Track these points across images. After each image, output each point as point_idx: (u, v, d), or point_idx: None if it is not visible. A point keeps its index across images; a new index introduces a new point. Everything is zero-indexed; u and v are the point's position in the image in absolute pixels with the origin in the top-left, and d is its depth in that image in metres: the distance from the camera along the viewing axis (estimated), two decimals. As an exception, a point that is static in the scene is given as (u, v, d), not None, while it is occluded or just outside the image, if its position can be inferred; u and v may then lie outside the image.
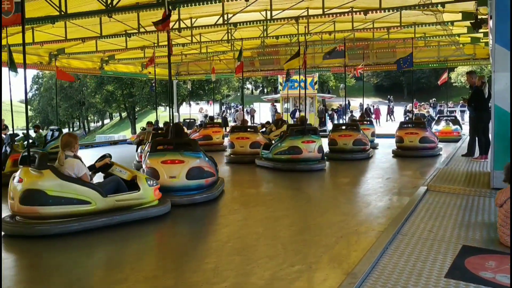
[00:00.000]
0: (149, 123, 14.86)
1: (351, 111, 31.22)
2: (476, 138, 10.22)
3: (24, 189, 5.51)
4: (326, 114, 29.10)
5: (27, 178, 5.58)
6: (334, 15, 12.69)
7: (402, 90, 61.73)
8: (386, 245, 4.33)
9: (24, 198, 5.50)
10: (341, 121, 28.98)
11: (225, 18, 13.49)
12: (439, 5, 10.95)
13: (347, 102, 27.34)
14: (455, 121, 18.80)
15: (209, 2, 9.82)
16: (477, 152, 10.33)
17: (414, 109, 27.18)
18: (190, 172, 7.23)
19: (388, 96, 48.90)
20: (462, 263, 3.89)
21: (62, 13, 10.93)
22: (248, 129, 13.38)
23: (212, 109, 30.91)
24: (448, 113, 25.23)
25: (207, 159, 7.81)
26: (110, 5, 10.53)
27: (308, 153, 10.67)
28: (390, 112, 38.75)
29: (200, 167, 7.38)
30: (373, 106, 38.56)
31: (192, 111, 35.92)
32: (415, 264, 3.90)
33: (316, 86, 28.56)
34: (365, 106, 27.95)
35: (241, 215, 6.68)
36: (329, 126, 28.39)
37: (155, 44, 16.93)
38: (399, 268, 3.81)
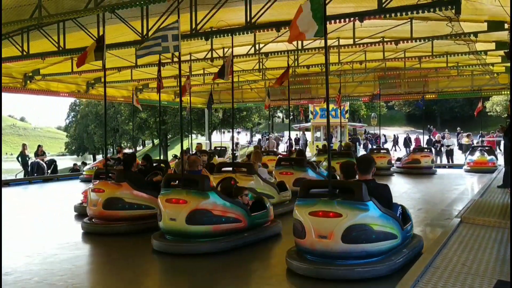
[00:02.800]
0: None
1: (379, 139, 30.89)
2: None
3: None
4: (358, 143, 28.88)
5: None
6: (365, 45, 12.74)
7: (435, 119, 60.90)
8: (417, 278, 4.24)
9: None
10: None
11: (257, 48, 13.73)
12: (471, 35, 10.88)
13: (375, 132, 27.10)
14: (490, 151, 18.37)
15: (241, 33, 10.02)
16: (513, 184, 10.06)
17: (433, 138, 26.84)
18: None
19: (428, 126, 48.10)
20: (497, 298, 3.78)
21: (100, 44, 11.31)
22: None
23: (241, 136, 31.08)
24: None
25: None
26: (146, 36, 10.85)
27: None
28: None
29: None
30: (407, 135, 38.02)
31: (224, 139, 36.29)
32: (448, 298, 3.81)
33: (347, 115, 28.51)
34: (404, 135, 27.74)
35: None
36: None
37: (188, 74, 17.31)
38: (431, 302, 3.73)
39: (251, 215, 6.44)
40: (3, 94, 15.48)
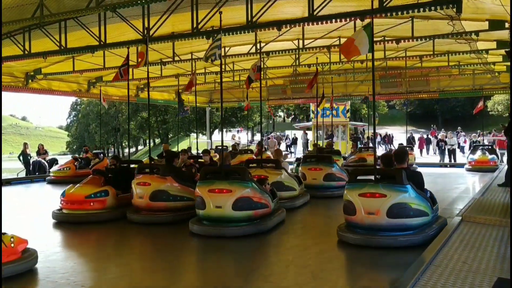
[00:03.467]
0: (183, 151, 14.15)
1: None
2: (513, 167, 9.99)
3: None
4: (359, 142, 28.87)
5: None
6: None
7: (436, 119, 60.86)
8: (418, 275, 4.25)
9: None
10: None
11: (258, 47, 13.74)
12: (473, 34, 10.88)
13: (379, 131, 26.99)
14: (492, 150, 18.35)
15: (242, 32, 10.03)
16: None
17: (431, 137, 26.78)
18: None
19: (432, 125, 48.02)
20: (497, 296, 3.79)
21: (102, 43, 11.35)
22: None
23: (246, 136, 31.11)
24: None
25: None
26: (147, 35, 10.87)
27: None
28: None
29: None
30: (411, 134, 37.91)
31: (225, 138, 36.28)
32: (448, 296, 3.83)
33: (348, 114, 28.50)
34: (407, 135, 27.65)
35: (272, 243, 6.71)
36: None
37: (193, 72, 17.32)
38: (431, 299, 3.75)
39: (273, 201, 7.59)
40: (4, 93, 15.52)
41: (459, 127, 39.41)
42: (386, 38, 12.69)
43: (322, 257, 5.88)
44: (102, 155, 17.37)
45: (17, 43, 12.42)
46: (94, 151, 18.63)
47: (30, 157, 18.11)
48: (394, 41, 12.16)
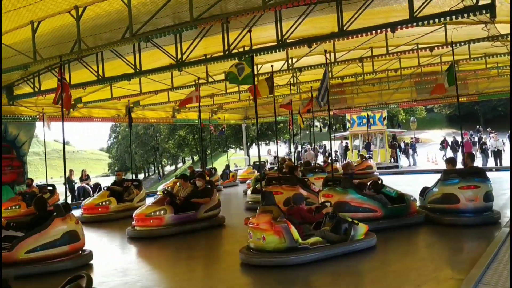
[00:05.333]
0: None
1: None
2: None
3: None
4: (398, 149, 28.38)
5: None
6: (399, 53, 12.61)
7: (478, 119, 59.12)
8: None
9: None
10: (416, 157, 28.16)
11: (290, 63, 13.82)
12: (508, 36, 10.62)
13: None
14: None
15: (273, 51, 10.11)
16: None
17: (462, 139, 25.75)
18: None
19: (477, 126, 46.54)
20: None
21: (137, 70, 11.68)
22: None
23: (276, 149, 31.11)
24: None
25: None
26: (180, 60, 11.12)
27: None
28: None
29: None
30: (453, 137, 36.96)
31: (262, 152, 36.44)
32: (499, 318, 3.73)
33: (385, 122, 28.12)
34: (450, 139, 26.84)
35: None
36: (403, 162, 27.73)
37: (224, 92, 17.57)
38: (482, 323, 3.66)
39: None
40: (51, 123, 16.07)
41: (488, 128, 38.01)
42: (419, 46, 12.54)
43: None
44: (52, 187, 14.92)
45: (57, 75, 12.89)
46: (39, 184, 15.94)
47: (75, 183, 18.67)
48: (427, 49, 11.99)
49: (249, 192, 13.45)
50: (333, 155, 35.08)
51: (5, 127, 15.36)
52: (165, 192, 10.21)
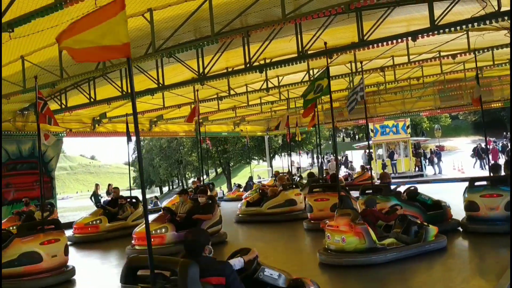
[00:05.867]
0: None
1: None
2: None
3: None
4: (422, 158, 28.02)
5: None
6: (421, 62, 12.53)
7: (504, 126, 57.93)
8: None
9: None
10: (441, 165, 27.74)
11: (311, 74, 13.86)
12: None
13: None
14: None
15: (294, 63, 10.17)
16: None
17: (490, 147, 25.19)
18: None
19: (504, 133, 45.58)
20: None
21: (160, 85, 11.88)
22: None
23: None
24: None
25: None
26: (202, 74, 11.27)
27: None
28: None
29: None
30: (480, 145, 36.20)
31: (285, 164, 36.37)
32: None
33: (409, 130, 27.83)
34: (474, 145, 26.34)
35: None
36: (428, 170, 27.35)
37: (246, 105, 17.67)
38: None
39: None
40: (76, 137, 16.41)
41: (504, 132, 37.00)
42: (441, 54, 12.45)
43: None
44: (50, 206, 14.05)
45: (83, 92, 13.22)
46: (37, 203, 14.74)
47: (101, 197, 18.96)
48: (450, 57, 11.90)
49: (240, 205, 13.60)
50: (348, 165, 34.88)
51: (33, 144, 15.75)
52: (165, 209, 9.89)
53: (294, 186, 13.24)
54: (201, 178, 15.37)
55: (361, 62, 13.50)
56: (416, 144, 33.19)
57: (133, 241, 9.22)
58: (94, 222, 11.90)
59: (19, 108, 14.77)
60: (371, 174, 10.97)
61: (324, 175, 16.70)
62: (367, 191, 9.60)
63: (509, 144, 28.40)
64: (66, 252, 7.70)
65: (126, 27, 3.59)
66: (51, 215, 13.12)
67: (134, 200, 13.29)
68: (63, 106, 14.07)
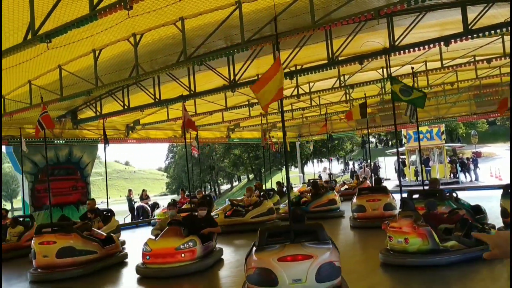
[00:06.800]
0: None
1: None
2: None
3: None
4: (457, 164, 27.38)
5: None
6: (455, 66, 12.31)
7: (545, 131, 56.07)
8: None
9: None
10: (478, 172, 27.06)
11: (342, 80, 13.78)
12: None
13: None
14: None
15: (324, 69, 10.16)
16: None
17: None
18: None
19: None
20: None
21: (192, 92, 12.04)
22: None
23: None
24: None
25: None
26: (233, 81, 11.38)
27: None
28: None
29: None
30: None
31: (316, 170, 36.25)
32: None
33: (443, 136, 27.27)
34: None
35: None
36: (464, 177, 26.72)
37: (277, 111, 17.69)
38: None
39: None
40: (110, 144, 16.78)
41: None
42: (476, 58, 12.20)
43: None
44: (29, 219, 12.30)
45: (117, 99, 13.54)
46: (14, 216, 13.75)
47: (134, 202, 19.30)
48: (485, 61, 11.64)
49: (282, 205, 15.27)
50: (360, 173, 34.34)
51: (70, 150, 16.20)
52: (173, 222, 8.73)
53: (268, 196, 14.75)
54: (190, 189, 15.40)
55: (388, 69, 13.31)
56: (452, 151, 32.50)
57: (145, 259, 7.93)
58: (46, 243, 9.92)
59: (56, 116, 15.23)
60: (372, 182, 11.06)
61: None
62: (414, 196, 9.60)
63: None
64: None
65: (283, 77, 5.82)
66: (28, 231, 11.47)
67: (108, 214, 12.22)
68: (98, 113, 14.43)
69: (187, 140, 15.89)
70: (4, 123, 14.01)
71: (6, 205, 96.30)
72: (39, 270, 8.30)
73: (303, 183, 23.12)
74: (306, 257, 5.07)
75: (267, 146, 19.70)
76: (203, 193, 16.85)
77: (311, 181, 19.69)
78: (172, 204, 10.34)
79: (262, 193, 14.43)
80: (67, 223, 8.94)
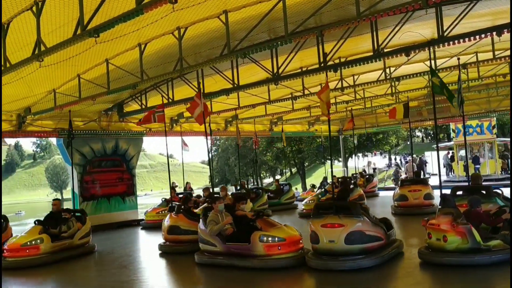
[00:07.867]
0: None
1: None
2: None
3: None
4: (508, 160, 26.34)
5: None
6: (507, 57, 11.78)
7: None
8: None
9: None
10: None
11: (387, 73, 13.47)
12: None
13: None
14: None
15: (369, 62, 9.93)
16: None
17: None
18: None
19: None
20: None
21: (235, 85, 12.07)
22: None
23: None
24: None
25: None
26: (276, 74, 11.32)
27: None
28: None
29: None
30: None
31: (361, 164, 35.70)
32: None
33: (495, 131, 26.26)
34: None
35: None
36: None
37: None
38: None
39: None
40: (156, 137, 17.10)
41: None
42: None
43: None
44: (2, 220, 10.71)
45: (162, 92, 13.74)
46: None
47: (178, 194, 19.57)
48: (540, 52, 11.07)
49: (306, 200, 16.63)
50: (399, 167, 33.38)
51: (116, 142, 16.60)
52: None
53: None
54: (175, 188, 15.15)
55: (431, 61, 12.89)
56: (504, 146, 31.24)
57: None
58: (33, 243, 9.71)
59: (103, 109, 15.63)
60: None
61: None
62: (457, 193, 9.27)
63: None
64: None
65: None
66: (4, 231, 10.58)
67: (79, 214, 11.37)
68: (143, 107, 14.70)
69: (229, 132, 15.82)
70: (55, 116, 14.50)
71: (57, 195, 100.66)
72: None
73: (311, 185, 22.03)
74: (340, 225, 7.19)
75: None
76: (246, 186, 16.86)
77: (324, 183, 19.57)
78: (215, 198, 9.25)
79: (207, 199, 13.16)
80: None
